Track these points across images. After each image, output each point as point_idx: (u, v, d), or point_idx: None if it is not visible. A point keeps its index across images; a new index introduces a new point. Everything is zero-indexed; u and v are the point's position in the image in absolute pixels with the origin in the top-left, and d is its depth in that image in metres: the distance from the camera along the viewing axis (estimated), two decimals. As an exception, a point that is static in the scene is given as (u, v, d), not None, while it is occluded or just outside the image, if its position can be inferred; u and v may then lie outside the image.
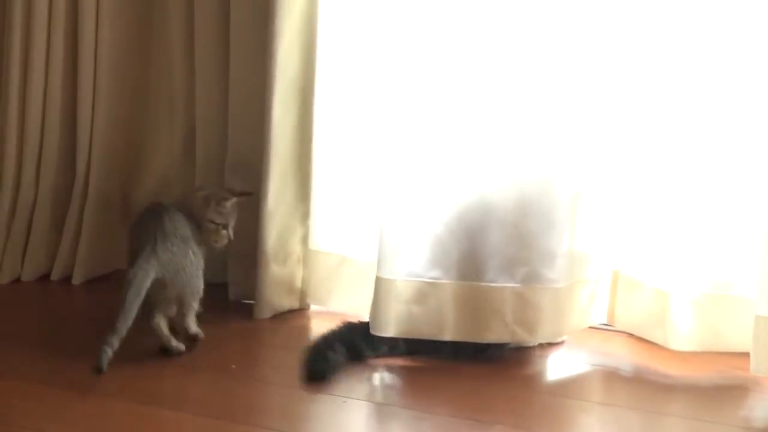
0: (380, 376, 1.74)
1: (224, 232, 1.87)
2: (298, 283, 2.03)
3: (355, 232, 1.96)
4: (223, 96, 2.10)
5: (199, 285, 1.80)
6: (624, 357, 1.83)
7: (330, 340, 1.73)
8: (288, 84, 1.95)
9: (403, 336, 1.75)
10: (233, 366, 1.72)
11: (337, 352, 1.69)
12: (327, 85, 1.97)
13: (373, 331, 1.75)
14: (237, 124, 2.08)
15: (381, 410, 1.61)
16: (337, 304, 1.99)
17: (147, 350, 1.79)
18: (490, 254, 1.73)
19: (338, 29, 1.95)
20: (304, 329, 1.97)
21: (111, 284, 2.20)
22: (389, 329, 1.75)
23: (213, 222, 1.86)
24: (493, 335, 1.74)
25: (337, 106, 1.97)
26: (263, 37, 1.95)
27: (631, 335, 1.88)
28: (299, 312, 2.03)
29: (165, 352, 1.76)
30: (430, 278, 1.74)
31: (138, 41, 2.22)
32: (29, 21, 2.17)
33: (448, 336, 1.74)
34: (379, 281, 1.75)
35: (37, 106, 2.19)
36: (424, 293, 1.74)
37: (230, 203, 1.88)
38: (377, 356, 1.75)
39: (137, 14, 2.21)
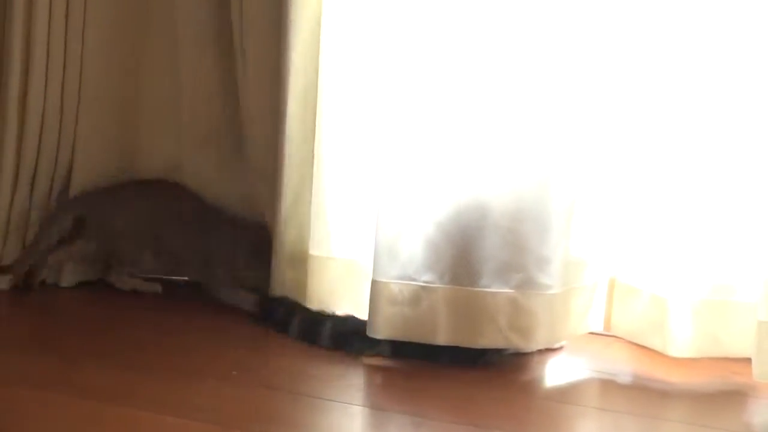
0: (379, 382, 1.75)
1: None
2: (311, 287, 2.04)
3: (360, 235, 1.96)
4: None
5: None
6: (623, 362, 1.82)
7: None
8: (298, 90, 1.96)
9: (396, 339, 1.76)
10: (234, 372, 1.72)
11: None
12: (329, 89, 1.97)
13: (368, 333, 1.76)
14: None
15: (380, 416, 1.60)
16: (344, 307, 2.00)
17: (147, 356, 1.80)
18: (484, 259, 1.72)
19: (339, 37, 1.96)
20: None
21: (108, 289, 2.23)
22: (383, 331, 1.75)
23: None
24: (487, 341, 1.74)
25: (340, 109, 1.97)
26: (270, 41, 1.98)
27: (631, 341, 1.88)
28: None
29: None
30: (424, 282, 1.74)
31: (133, 52, 2.24)
32: (29, 38, 2.17)
33: (441, 340, 1.74)
34: (373, 284, 1.76)
35: (36, 115, 2.20)
36: (417, 297, 1.74)
37: None
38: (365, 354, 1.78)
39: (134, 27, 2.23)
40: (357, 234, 1.97)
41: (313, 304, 2.01)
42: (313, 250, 2.00)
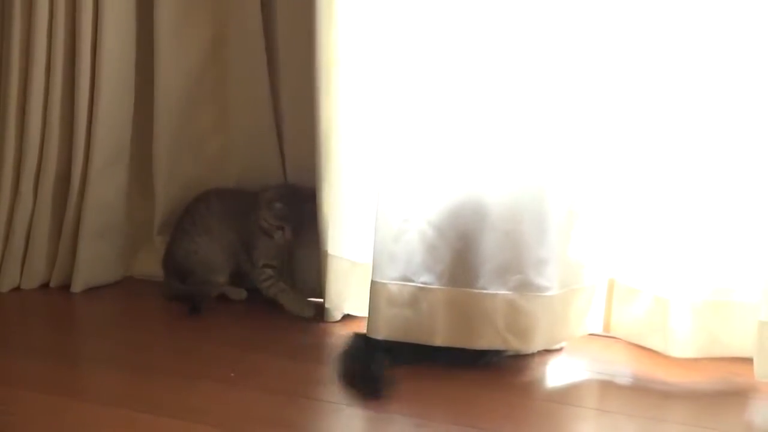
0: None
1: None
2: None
3: (364, 236, 1.95)
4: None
5: None
6: (623, 364, 1.82)
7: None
8: None
9: (395, 339, 1.75)
10: (232, 374, 1.72)
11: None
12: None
13: (368, 334, 1.76)
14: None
15: (380, 417, 1.60)
16: (350, 308, 2.00)
17: (146, 358, 1.79)
18: (482, 261, 1.72)
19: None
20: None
21: (110, 292, 2.22)
22: (382, 332, 1.76)
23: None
24: (485, 342, 1.74)
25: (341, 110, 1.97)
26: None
27: (630, 342, 1.88)
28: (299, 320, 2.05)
29: None
30: (422, 283, 1.74)
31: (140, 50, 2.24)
32: (29, 29, 2.18)
33: (439, 341, 1.74)
34: (372, 285, 1.76)
35: (36, 115, 2.19)
36: (416, 298, 1.75)
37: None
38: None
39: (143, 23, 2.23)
40: (362, 234, 1.96)
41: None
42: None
